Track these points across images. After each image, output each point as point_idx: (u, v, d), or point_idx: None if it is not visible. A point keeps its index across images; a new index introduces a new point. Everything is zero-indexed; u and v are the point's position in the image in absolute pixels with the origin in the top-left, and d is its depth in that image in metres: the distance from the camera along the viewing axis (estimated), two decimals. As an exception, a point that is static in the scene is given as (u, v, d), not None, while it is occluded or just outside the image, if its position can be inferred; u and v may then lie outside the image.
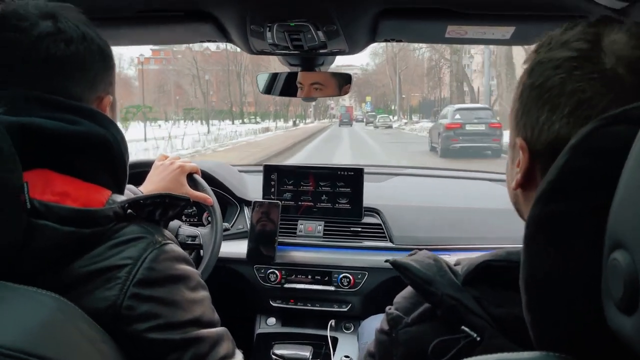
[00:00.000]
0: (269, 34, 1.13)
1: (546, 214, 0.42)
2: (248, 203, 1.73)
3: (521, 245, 0.45)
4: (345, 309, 1.63)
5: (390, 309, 0.66)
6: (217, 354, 0.69)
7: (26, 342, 0.50)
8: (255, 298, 1.68)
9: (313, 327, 1.66)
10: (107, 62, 0.74)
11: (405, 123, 39.67)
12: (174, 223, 1.34)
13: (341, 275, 1.59)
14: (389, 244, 1.64)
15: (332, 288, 1.60)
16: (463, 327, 0.56)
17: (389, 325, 0.65)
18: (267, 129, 32.00)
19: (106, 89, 0.74)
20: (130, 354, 0.63)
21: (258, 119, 49.41)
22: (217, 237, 1.29)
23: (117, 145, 0.69)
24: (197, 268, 0.76)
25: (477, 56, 36.00)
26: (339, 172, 1.71)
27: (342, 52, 1.29)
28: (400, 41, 1.26)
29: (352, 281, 1.59)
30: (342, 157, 14.67)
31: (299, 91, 1.45)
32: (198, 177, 1.32)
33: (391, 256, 0.68)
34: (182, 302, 0.66)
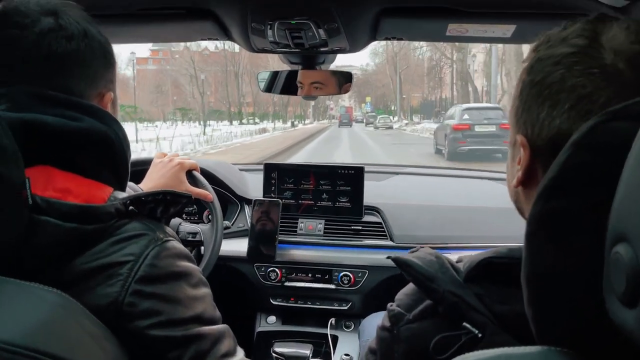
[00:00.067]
0: (270, 32, 1.13)
1: (547, 211, 0.42)
2: (248, 201, 1.73)
3: (522, 243, 0.45)
4: (346, 308, 1.63)
5: (391, 305, 0.66)
6: (218, 351, 0.68)
7: (27, 337, 0.51)
8: (255, 296, 1.68)
9: (313, 326, 1.66)
10: (108, 59, 0.74)
11: (406, 124, 39.45)
12: (175, 220, 1.34)
13: (341, 274, 1.60)
14: (389, 243, 1.64)
15: (332, 286, 1.61)
16: (464, 323, 0.56)
17: (390, 322, 0.65)
18: (264, 130, 31.58)
19: (107, 85, 0.74)
20: (132, 350, 0.63)
21: (257, 120, 49.35)
22: (218, 233, 1.29)
23: (119, 142, 0.69)
24: (198, 265, 0.76)
25: (479, 55, 35.70)
26: (339, 171, 1.71)
27: (342, 50, 1.29)
28: (401, 39, 1.26)
29: (352, 279, 1.59)
30: (341, 159, 14.32)
31: (299, 90, 1.45)
32: (197, 174, 1.32)
33: (391, 254, 0.68)
34: (183, 299, 0.66)
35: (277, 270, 1.61)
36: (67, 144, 0.64)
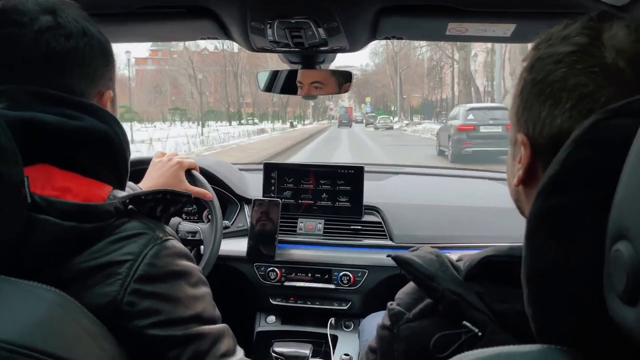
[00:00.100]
0: (269, 31, 1.13)
1: (547, 208, 0.42)
2: (248, 201, 1.73)
3: (523, 242, 0.45)
4: (345, 307, 1.63)
5: (391, 304, 0.66)
6: (218, 351, 0.68)
7: (25, 336, 0.50)
8: (255, 296, 1.68)
9: (313, 325, 1.66)
10: (107, 57, 0.73)
11: (407, 124, 39.26)
12: (174, 219, 1.34)
13: (341, 274, 1.59)
14: (389, 242, 1.64)
15: (332, 286, 1.60)
16: (465, 322, 0.56)
17: (390, 320, 0.65)
18: (262, 131, 31.32)
19: (106, 84, 0.74)
20: (131, 349, 0.63)
21: (256, 120, 49.27)
22: (218, 232, 1.29)
23: (119, 141, 0.68)
24: (197, 264, 0.76)
25: (480, 55, 35.49)
26: (339, 171, 1.71)
27: (342, 50, 1.29)
28: (401, 39, 1.26)
29: (352, 279, 1.59)
30: (341, 160, 14.17)
31: (299, 89, 1.45)
32: (196, 173, 1.32)
33: (392, 253, 0.68)
34: (183, 298, 0.66)
35: (276, 270, 1.61)
36: (67, 142, 0.64)
